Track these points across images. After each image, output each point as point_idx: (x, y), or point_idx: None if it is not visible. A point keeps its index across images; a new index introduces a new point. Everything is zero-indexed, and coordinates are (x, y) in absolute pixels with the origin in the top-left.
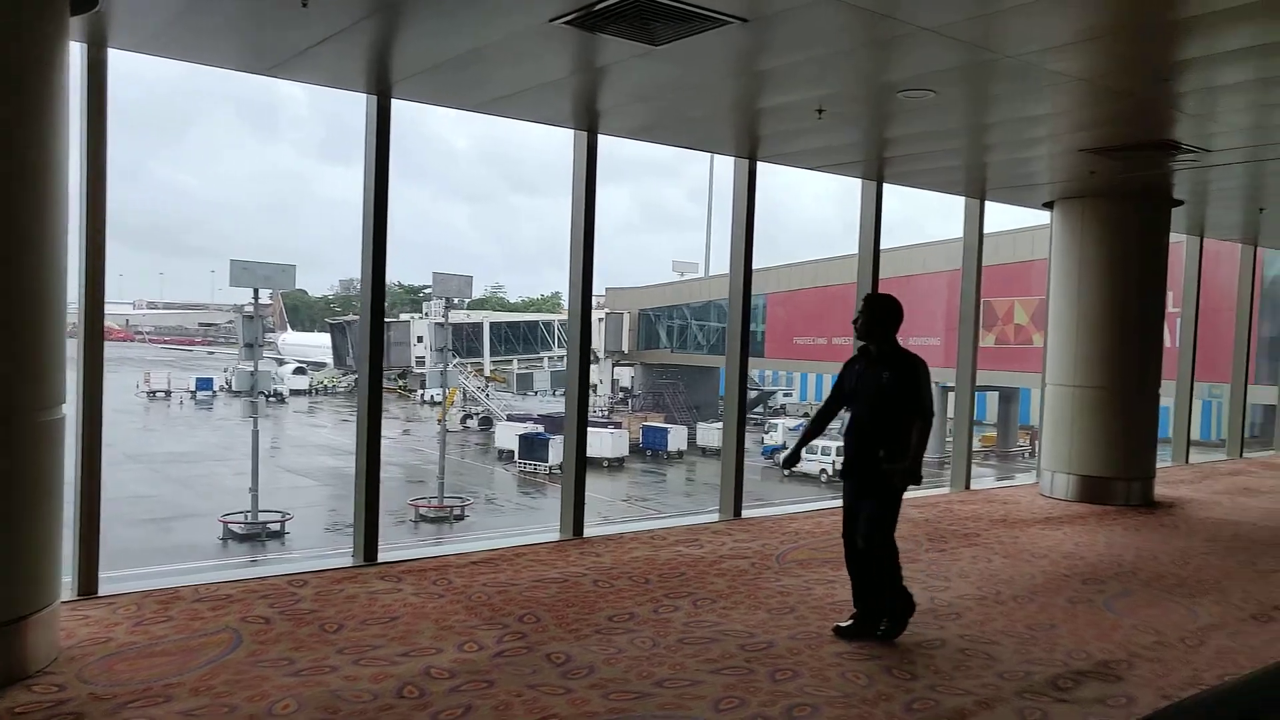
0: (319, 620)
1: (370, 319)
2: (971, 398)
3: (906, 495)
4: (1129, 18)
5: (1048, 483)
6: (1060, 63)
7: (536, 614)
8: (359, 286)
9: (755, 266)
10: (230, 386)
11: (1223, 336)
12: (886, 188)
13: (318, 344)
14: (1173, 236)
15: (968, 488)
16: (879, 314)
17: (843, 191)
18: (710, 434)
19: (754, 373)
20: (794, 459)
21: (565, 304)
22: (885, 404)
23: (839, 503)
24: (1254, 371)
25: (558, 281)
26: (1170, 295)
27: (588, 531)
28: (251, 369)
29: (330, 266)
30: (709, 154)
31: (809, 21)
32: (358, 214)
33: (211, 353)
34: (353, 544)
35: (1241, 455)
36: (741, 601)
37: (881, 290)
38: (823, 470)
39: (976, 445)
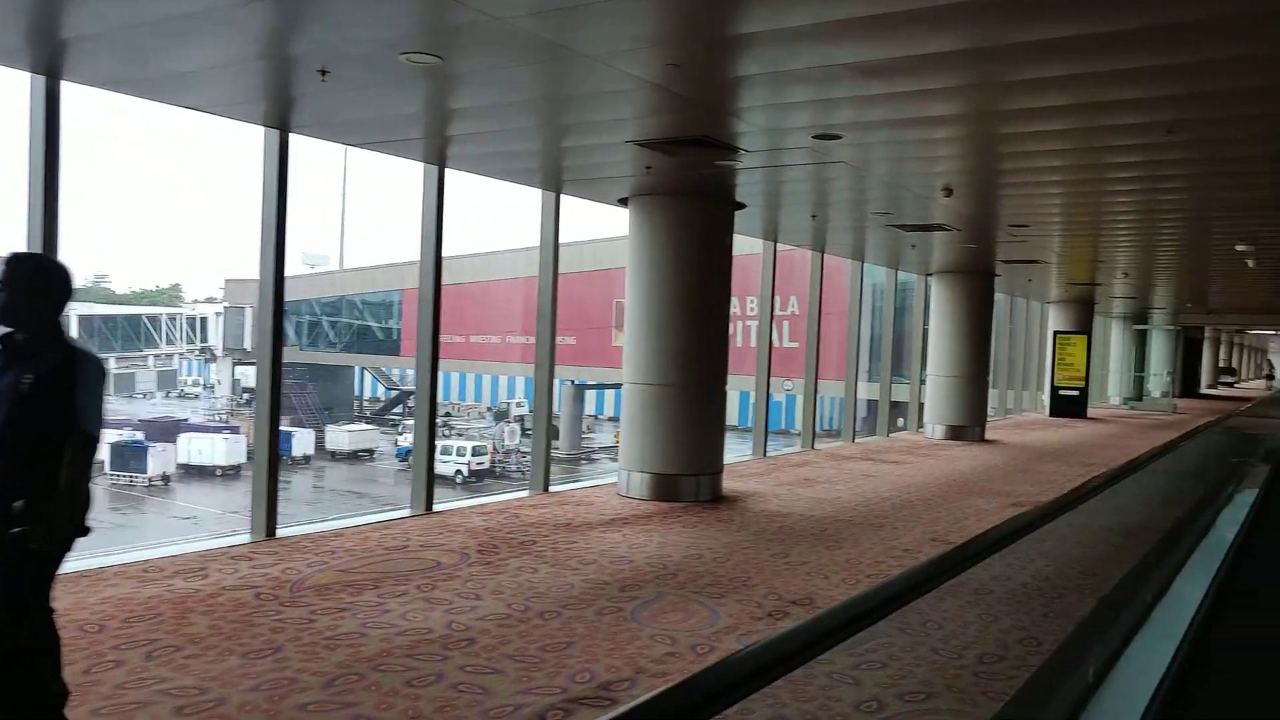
0: None
1: None
2: (549, 396)
3: (463, 503)
4: None
5: (624, 482)
6: (549, 31)
7: None
8: None
9: (396, 261)
10: None
11: (834, 337)
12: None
13: None
14: (760, 243)
15: (546, 490)
16: (23, 285)
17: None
18: (340, 437)
19: (395, 372)
20: None
21: (184, 295)
22: (30, 420)
23: (408, 511)
24: (844, 369)
25: (179, 271)
26: (778, 299)
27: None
28: None
29: None
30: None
31: None
32: None
33: None
34: None
35: (813, 446)
36: (216, 646)
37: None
38: (458, 471)
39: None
